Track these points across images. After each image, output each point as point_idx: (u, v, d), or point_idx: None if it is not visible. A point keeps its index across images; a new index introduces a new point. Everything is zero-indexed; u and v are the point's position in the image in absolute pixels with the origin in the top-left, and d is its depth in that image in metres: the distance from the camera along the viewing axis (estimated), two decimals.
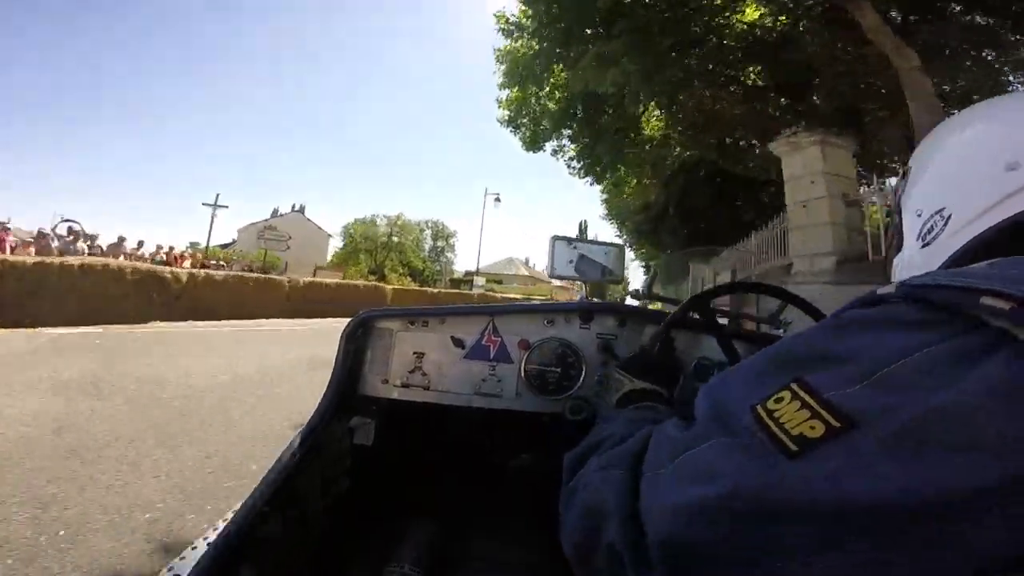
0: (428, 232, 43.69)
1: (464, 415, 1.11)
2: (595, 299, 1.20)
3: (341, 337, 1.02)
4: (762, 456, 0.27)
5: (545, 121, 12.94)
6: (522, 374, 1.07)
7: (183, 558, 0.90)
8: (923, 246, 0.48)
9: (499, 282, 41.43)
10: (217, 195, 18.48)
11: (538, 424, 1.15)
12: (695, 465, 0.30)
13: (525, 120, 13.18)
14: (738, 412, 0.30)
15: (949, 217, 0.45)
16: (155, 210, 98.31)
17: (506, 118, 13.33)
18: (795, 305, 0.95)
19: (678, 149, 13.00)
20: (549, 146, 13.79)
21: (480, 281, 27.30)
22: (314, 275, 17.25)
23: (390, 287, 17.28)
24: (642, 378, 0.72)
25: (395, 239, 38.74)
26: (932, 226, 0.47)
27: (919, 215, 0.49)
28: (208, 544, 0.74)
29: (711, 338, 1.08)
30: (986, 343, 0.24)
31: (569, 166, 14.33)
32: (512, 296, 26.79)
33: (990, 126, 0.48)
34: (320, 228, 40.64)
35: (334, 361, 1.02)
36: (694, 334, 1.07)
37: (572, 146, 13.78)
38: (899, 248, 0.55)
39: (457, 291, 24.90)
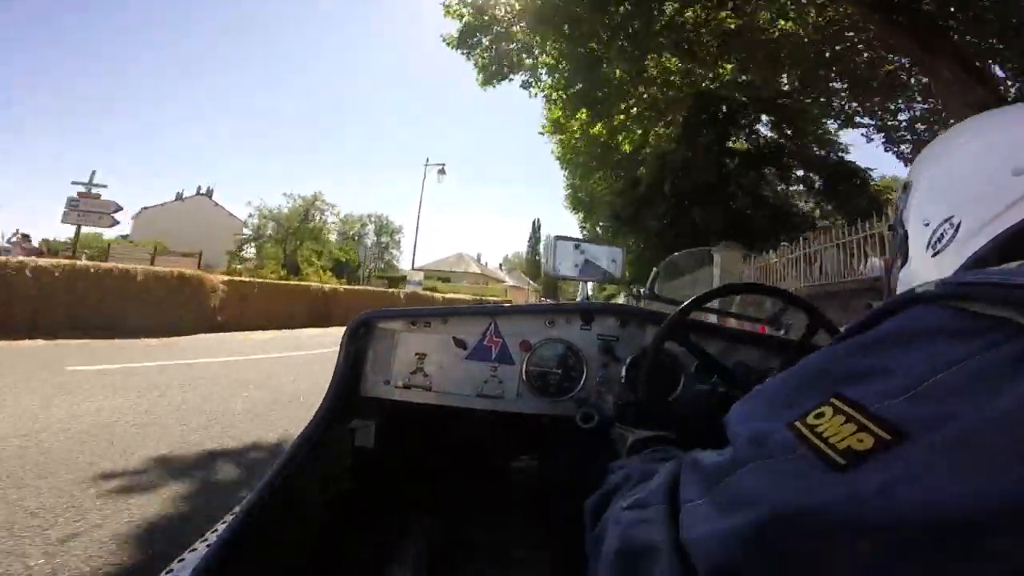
0: (371, 227, 39.41)
1: (466, 416, 1.11)
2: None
3: (343, 338, 1.02)
4: (806, 473, 0.26)
5: (516, 38, 8.96)
6: (523, 375, 1.07)
7: (182, 560, 0.90)
8: (933, 255, 0.48)
9: (446, 280, 37.12)
10: (93, 173, 10.70)
11: (539, 426, 1.15)
12: (736, 491, 0.30)
13: (484, 41, 9.07)
14: (773, 432, 0.29)
15: (959, 224, 0.45)
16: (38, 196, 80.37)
17: (456, 36, 9.12)
18: (797, 307, 0.94)
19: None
20: (518, 78, 9.81)
21: (417, 277, 21.00)
22: (152, 262, 11.86)
23: (218, 278, 9.91)
24: (640, 427, 0.72)
25: (311, 224, 31.18)
26: (942, 234, 0.47)
27: (927, 225, 0.50)
28: (207, 546, 0.74)
29: (713, 339, 1.07)
30: None
31: (549, 101, 10.75)
32: (461, 297, 22.66)
33: (995, 134, 0.49)
34: (232, 215, 35.22)
35: (335, 362, 1.02)
36: (694, 335, 1.07)
37: (549, 78, 9.82)
38: (903, 263, 0.55)
39: (369, 288, 18.47)
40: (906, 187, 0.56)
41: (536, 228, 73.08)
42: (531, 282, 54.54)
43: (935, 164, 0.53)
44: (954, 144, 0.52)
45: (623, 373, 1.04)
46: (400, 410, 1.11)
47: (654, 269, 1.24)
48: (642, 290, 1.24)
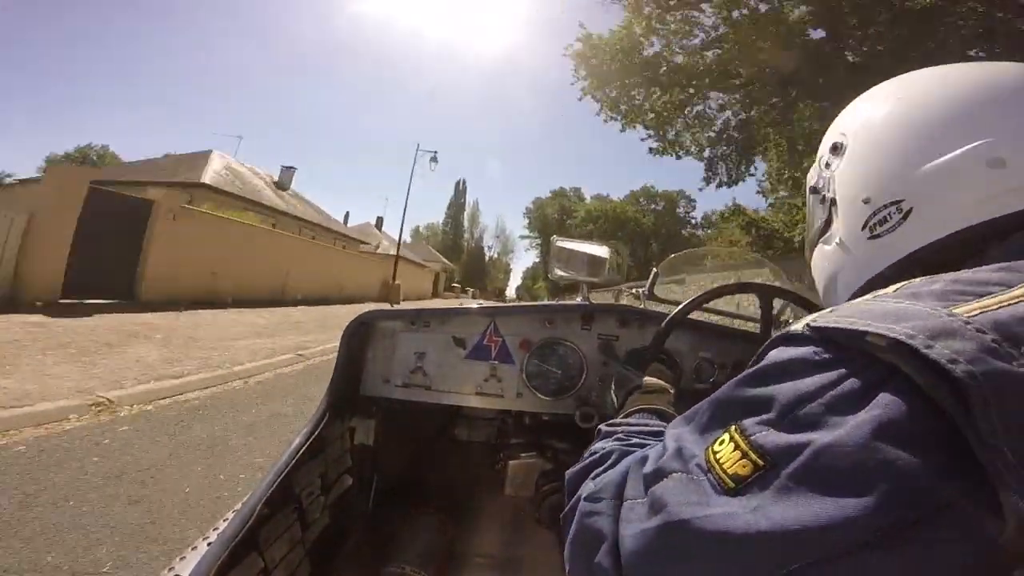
0: None
1: (465, 415, 1.11)
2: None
3: (342, 337, 1.02)
4: (707, 492, 0.30)
5: None
6: (523, 375, 1.07)
7: (183, 558, 0.90)
8: (870, 237, 0.45)
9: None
10: None
11: (539, 424, 1.15)
12: (656, 497, 0.33)
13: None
14: (697, 453, 0.33)
15: (909, 211, 0.42)
16: None
17: None
18: (800, 306, 0.94)
19: None
20: None
21: None
22: None
23: None
24: (647, 372, 0.73)
25: None
26: (885, 218, 0.43)
27: (867, 202, 0.45)
28: (208, 544, 0.74)
29: (712, 337, 1.08)
30: (874, 380, 0.27)
31: None
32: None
33: (962, 107, 0.41)
34: None
35: (335, 361, 1.02)
36: (694, 333, 1.07)
37: None
38: (823, 231, 0.51)
39: None
40: (836, 148, 0.49)
41: (461, 191, 60.11)
42: (445, 261, 43.88)
43: (883, 129, 0.45)
44: (913, 104, 0.44)
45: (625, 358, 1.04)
46: (400, 409, 1.11)
47: (654, 269, 1.24)
48: (641, 290, 1.24)
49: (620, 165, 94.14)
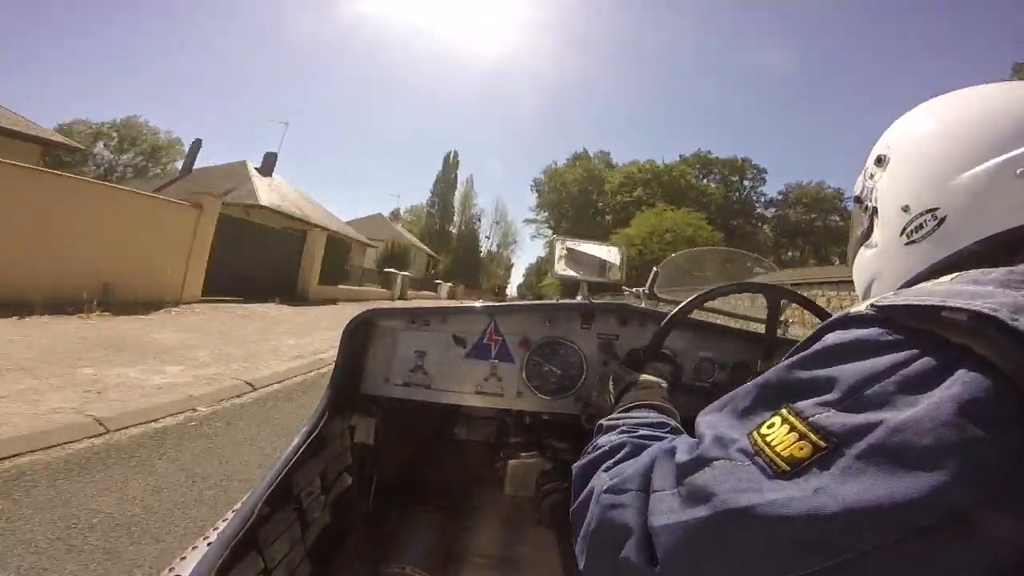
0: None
1: (465, 414, 1.11)
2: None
3: (343, 335, 1.02)
4: (758, 477, 0.29)
5: None
6: (523, 374, 1.07)
7: (184, 558, 0.90)
8: (907, 243, 0.46)
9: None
10: None
11: (539, 423, 1.15)
12: (699, 487, 0.32)
13: None
14: (738, 438, 0.33)
15: (943, 219, 0.43)
16: None
17: None
18: (801, 305, 0.94)
19: None
20: None
21: None
22: None
23: None
24: (645, 371, 0.73)
25: None
26: (921, 224, 0.45)
27: (905, 210, 0.47)
28: (209, 544, 0.74)
29: (712, 336, 1.07)
30: (948, 360, 0.27)
31: None
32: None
33: (996, 121, 0.44)
34: None
35: (335, 359, 1.02)
36: (694, 333, 1.07)
37: None
38: (865, 237, 0.53)
39: None
40: (880, 160, 0.52)
41: (451, 164, 47.21)
42: (423, 247, 35.00)
43: (922, 141, 0.48)
44: (949, 120, 0.47)
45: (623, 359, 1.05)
46: (400, 408, 1.11)
47: (654, 268, 1.24)
48: (642, 290, 1.24)
49: (649, 134, 78.14)
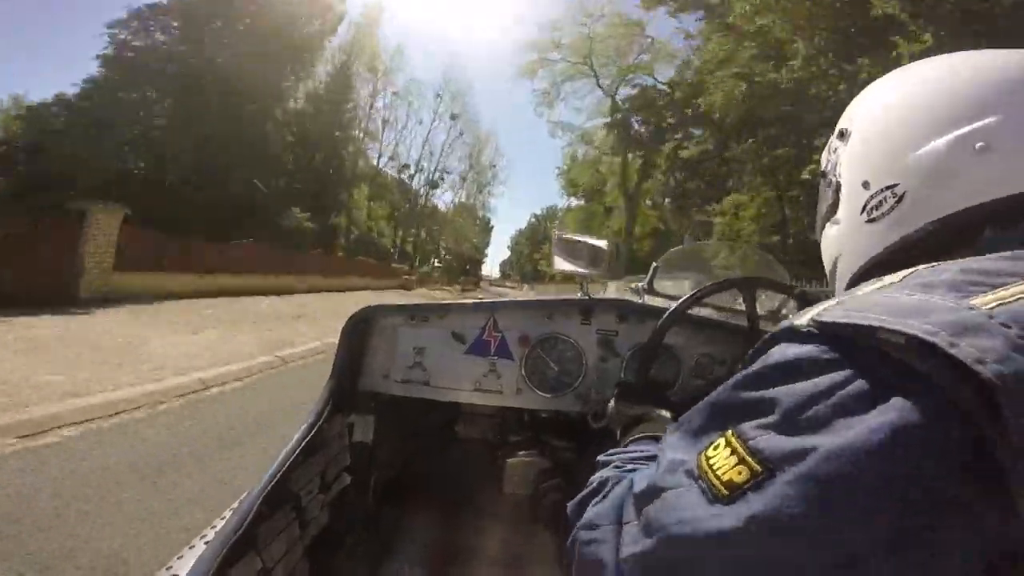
0: None
1: (464, 411, 1.11)
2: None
3: (342, 332, 1.01)
4: (699, 503, 0.29)
5: None
6: (522, 370, 1.06)
7: (181, 557, 0.90)
8: (867, 221, 0.45)
9: None
10: None
11: (538, 420, 1.15)
12: (651, 516, 0.32)
13: None
14: (687, 459, 0.32)
15: (902, 196, 0.42)
16: None
17: None
18: (778, 291, 0.94)
19: None
20: None
21: None
22: None
23: None
24: (640, 403, 0.72)
25: None
26: (881, 202, 0.43)
27: (865, 186, 0.45)
28: (206, 543, 0.73)
29: (711, 333, 1.07)
30: (887, 382, 0.25)
31: None
32: None
33: (957, 92, 0.41)
34: None
35: (335, 356, 1.02)
36: (693, 330, 1.07)
37: None
38: (831, 213, 0.51)
39: None
40: (843, 134, 0.50)
41: None
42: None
43: (882, 115, 0.46)
44: (910, 91, 0.45)
45: (623, 366, 1.04)
46: (398, 406, 1.10)
47: (653, 264, 1.23)
48: (641, 285, 1.24)
49: None
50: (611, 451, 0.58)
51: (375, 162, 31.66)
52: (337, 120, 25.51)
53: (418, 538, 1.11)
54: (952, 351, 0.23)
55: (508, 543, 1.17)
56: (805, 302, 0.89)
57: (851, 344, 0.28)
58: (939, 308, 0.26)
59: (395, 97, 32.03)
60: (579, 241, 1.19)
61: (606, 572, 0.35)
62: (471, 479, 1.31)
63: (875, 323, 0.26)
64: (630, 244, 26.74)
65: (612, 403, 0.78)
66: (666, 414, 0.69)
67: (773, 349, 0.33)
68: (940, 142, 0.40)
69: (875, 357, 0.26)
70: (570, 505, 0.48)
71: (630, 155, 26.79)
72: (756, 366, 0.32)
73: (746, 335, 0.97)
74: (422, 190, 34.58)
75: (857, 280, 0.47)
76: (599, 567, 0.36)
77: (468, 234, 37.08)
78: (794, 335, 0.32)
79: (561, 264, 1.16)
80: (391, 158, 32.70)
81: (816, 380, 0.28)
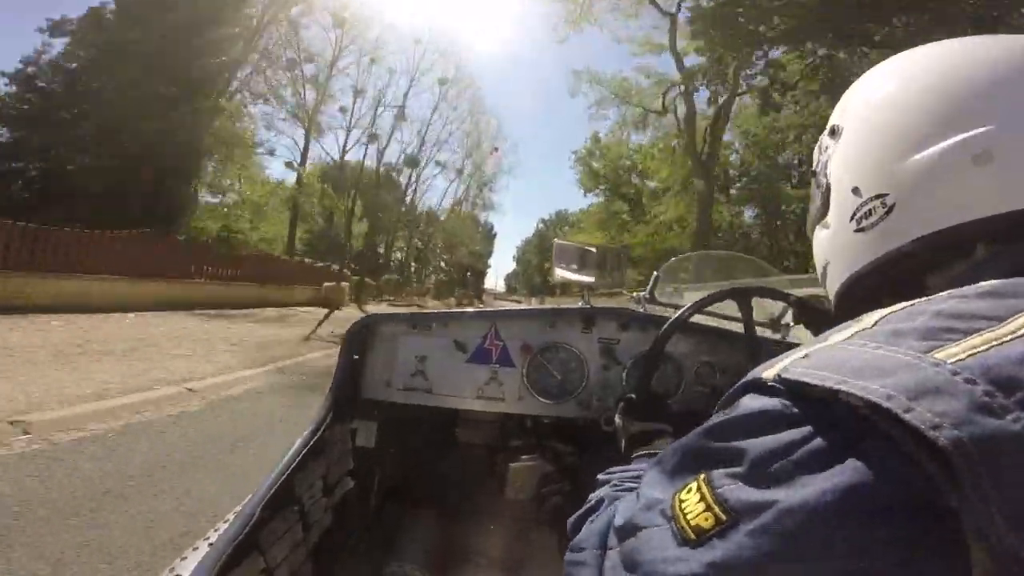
0: None
1: (467, 419, 1.12)
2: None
3: (343, 340, 1.03)
4: (669, 545, 0.30)
5: None
6: (524, 378, 1.07)
7: (184, 558, 0.90)
8: (857, 230, 0.43)
9: None
10: None
11: (540, 426, 1.15)
12: (627, 553, 0.33)
13: None
14: (663, 498, 0.33)
15: (892, 207, 0.39)
16: None
17: None
18: (773, 299, 0.95)
19: None
20: None
21: None
22: None
23: None
24: (643, 419, 0.73)
25: None
26: (870, 211, 0.41)
27: (855, 192, 0.42)
28: (209, 545, 0.74)
29: (713, 342, 1.08)
30: (845, 441, 0.25)
31: None
32: None
33: (960, 90, 0.38)
34: None
35: (336, 364, 1.03)
36: (695, 339, 1.08)
37: None
38: (821, 215, 0.49)
39: None
40: (834, 131, 0.47)
41: None
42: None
43: (873, 115, 0.43)
44: (905, 87, 0.41)
45: (624, 375, 1.05)
46: (401, 412, 1.11)
47: (655, 273, 1.24)
48: (643, 294, 1.25)
49: None
50: (611, 469, 0.58)
51: (343, 142, 24.93)
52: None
53: (420, 541, 1.12)
54: (907, 416, 0.23)
55: (510, 547, 1.18)
56: (803, 310, 0.90)
57: (812, 402, 0.28)
58: (901, 366, 0.26)
59: (372, 64, 24.95)
60: (581, 249, 1.20)
61: None
62: (473, 483, 1.32)
63: (834, 385, 0.26)
64: (703, 239, 18.40)
65: (617, 418, 0.79)
66: (667, 429, 0.70)
67: (741, 399, 0.33)
68: (934, 150, 0.37)
69: (838, 415, 0.26)
70: (569, 521, 0.49)
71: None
72: (725, 416, 0.32)
73: (747, 344, 0.98)
74: (405, 175, 27.28)
75: (845, 292, 0.46)
76: None
77: (464, 238, 30.84)
78: (761, 388, 0.32)
79: (562, 274, 1.17)
80: (372, 138, 25.10)
81: (778, 436, 0.28)
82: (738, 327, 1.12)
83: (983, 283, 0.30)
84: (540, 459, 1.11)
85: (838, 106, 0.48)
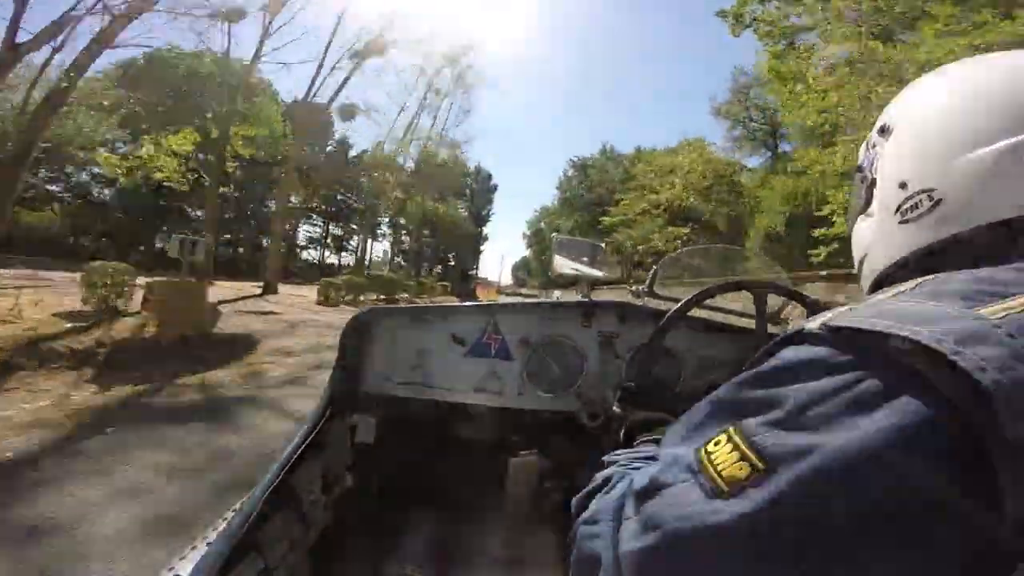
0: None
1: (466, 412, 1.11)
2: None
3: (342, 335, 1.02)
4: (699, 498, 0.29)
5: None
6: (523, 372, 1.07)
7: (183, 557, 0.90)
8: (901, 221, 0.45)
9: None
10: None
11: (540, 421, 1.15)
12: (651, 513, 0.32)
13: None
14: (686, 453, 0.33)
15: (939, 201, 0.41)
16: None
17: None
18: (788, 297, 0.94)
19: None
20: None
21: None
22: None
23: None
24: (643, 407, 0.73)
25: None
26: (917, 204, 0.43)
27: (903, 187, 0.45)
28: (209, 543, 0.74)
29: (712, 335, 1.07)
30: (893, 384, 0.26)
31: None
32: None
33: (1010, 97, 0.40)
34: None
35: (335, 359, 1.02)
36: (694, 332, 1.07)
37: None
38: (863, 208, 0.51)
39: None
40: (884, 130, 0.49)
41: None
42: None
43: (925, 117, 0.45)
44: (960, 92, 0.44)
45: (624, 366, 1.04)
46: (401, 406, 1.11)
47: (654, 267, 1.23)
48: (642, 287, 1.24)
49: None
50: (616, 452, 0.58)
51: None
52: None
53: (420, 538, 1.11)
54: (955, 358, 0.24)
55: (510, 542, 1.18)
56: (817, 310, 0.89)
57: (860, 348, 0.28)
58: (947, 316, 0.27)
59: None
60: (583, 243, 1.20)
61: (603, 567, 0.35)
62: (473, 479, 1.32)
63: (884, 329, 0.27)
64: None
65: (615, 407, 0.78)
66: (668, 418, 0.69)
67: (784, 351, 0.33)
68: (984, 151, 0.39)
69: (883, 361, 0.27)
70: (574, 500, 0.48)
71: None
72: (765, 366, 0.33)
73: (755, 336, 0.98)
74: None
75: (882, 280, 0.48)
76: (596, 562, 0.36)
77: (446, 211, 20.43)
78: (805, 338, 0.32)
79: (563, 267, 1.16)
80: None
81: (825, 380, 0.28)
82: (737, 321, 1.11)
83: (1017, 261, 0.32)
84: (540, 454, 1.11)
85: (888, 107, 0.51)
